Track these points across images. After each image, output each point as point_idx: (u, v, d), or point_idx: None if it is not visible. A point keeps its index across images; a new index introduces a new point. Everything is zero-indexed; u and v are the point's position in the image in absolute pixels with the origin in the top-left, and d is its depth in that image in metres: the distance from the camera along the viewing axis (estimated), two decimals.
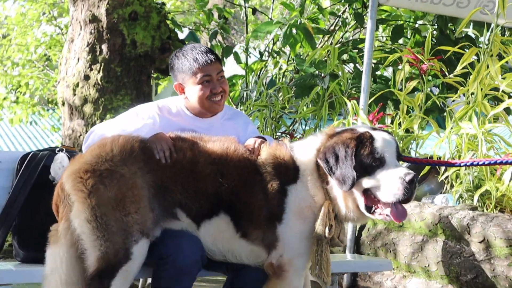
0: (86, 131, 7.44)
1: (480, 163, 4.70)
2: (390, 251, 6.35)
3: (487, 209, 5.77)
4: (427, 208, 6.01)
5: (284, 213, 3.97)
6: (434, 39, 8.90)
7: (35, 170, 4.40)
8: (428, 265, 5.90)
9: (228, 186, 3.96)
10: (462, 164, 4.56)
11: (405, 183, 3.72)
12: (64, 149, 4.57)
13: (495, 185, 5.77)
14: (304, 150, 4.06)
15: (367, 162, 3.81)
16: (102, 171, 3.79)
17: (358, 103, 7.09)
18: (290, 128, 9.51)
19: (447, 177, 6.41)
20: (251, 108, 9.07)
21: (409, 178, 3.72)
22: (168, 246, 3.90)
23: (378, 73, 9.42)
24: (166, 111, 4.36)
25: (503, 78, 6.16)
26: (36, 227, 4.26)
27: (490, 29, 6.93)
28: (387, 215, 3.85)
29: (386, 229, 6.44)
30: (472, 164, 5.01)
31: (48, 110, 13.67)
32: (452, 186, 6.37)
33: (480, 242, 5.39)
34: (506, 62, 6.73)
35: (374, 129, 4.01)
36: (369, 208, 3.89)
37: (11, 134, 19.70)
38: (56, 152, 4.53)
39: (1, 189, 4.50)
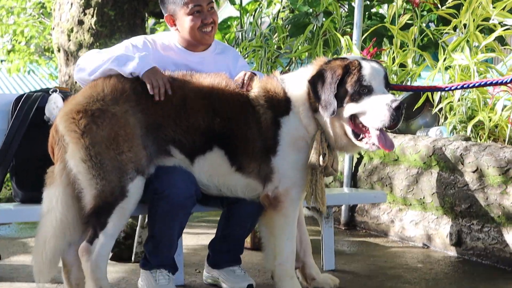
0: None
1: (471, 85, 4.70)
2: (386, 185, 6.42)
3: (480, 140, 5.83)
4: (421, 141, 6.07)
5: (279, 145, 4.01)
6: None
7: (29, 111, 4.44)
8: (423, 197, 5.98)
9: (220, 120, 3.99)
10: (452, 88, 4.57)
11: (391, 110, 3.74)
12: (58, 89, 4.60)
13: (488, 115, 5.81)
14: (295, 82, 4.07)
15: (355, 89, 3.84)
16: (94, 111, 3.82)
17: (352, 39, 7.11)
18: (286, 68, 9.51)
19: (441, 109, 6.46)
20: (247, 49, 9.07)
21: (395, 105, 3.75)
22: (162, 182, 3.95)
23: (374, 10, 9.37)
24: (159, 44, 4.38)
25: (494, 7, 6.15)
26: (33, 167, 4.29)
27: None
28: (373, 144, 3.88)
29: (382, 163, 6.52)
30: (462, 87, 4.99)
31: (45, 58, 13.60)
32: (446, 118, 6.42)
33: (474, 172, 5.45)
34: None
35: (365, 59, 4.03)
36: (357, 135, 3.93)
37: (9, 84, 19.72)
38: (50, 93, 4.56)
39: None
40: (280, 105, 4.05)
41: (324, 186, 4.11)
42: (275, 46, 8.91)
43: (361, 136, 3.92)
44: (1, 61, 13.59)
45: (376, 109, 3.79)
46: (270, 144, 4.02)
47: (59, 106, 4.43)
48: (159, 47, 4.35)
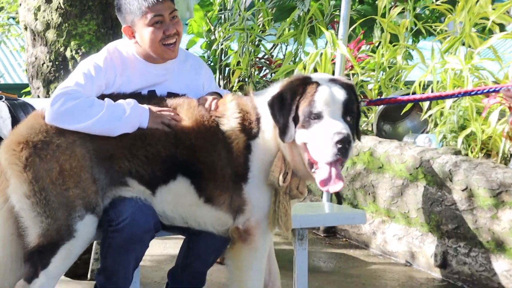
0: (50, 60, 6.93)
1: (461, 94, 4.20)
2: (369, 194, 6.01)
3: (471, 152, 5.38)
4: (408, 150, 5.64)
5: (249, 171, 3.61)
6: None
7: None
8: (408, 211, 5.58)
9: (184, 146, 3.59)
10: (432, 98, 4.11)
11: (333, 143, 3.32)
12: (3, 97, 4.13)
13: (481, 126, 5.36)
14: (265, 99, 3.66)
15: (305, 115, 3.44)
16: (36, 143, 3.45)
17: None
18: (270, 52, 9.03)
19: (430, 115, 6.02)
20: (229, 31, 8.58)
21: (337, 139, 3.32)
22: (117, 213, 3.54)
23: None
24: (118, 57, 3.90)
25: (493, 9, 5.67)
26: None
27: None
28: (323, 180, 3.43)
29: (365, 169, 6.10)
30: (448, 97, 4.53)
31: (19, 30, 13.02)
32: (436, 124, 5.98)
33: (463, 191, 5.04)
34: None
35: (333, 80, 3.59)
36: (312, 166, 3.49)
37: None
38: None
39: None
40: (251, 126, 3.65)
41: (289, 208, 3.69)
42: (259, 31, 8.40)
43: (314, 167, 3.48)
44: None
45: (319, 141, 3.39)
46: (241, 171, 3.62)
47: (4, 117, 4.02)
48: (117, 61, 3.87)
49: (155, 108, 3.68)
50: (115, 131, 3.56)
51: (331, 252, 5.98)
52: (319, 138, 3.38)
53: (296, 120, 3.46)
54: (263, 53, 8.83)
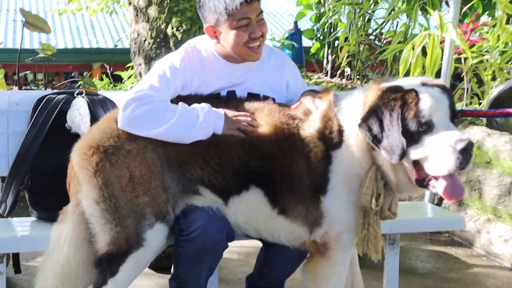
0: (151, 36, 6.85)
1: None
2: (475, 189, 5.61)
3: None
4: None
5: (329, 183, 3.37)
6: None
7: (48, 118, 3.87)
8: None
9: (259, 155, 3.38)
10: None
11: (456, 153, 3.03)
12: (84, 92, 4.01)
13: None
14: (349, 107, 3.41)
15: (413, 128, 3.14)
16: (107, 147, 3.33)
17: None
18: (381, 26, 8.63)
19: None
20: (337, 6, 8.24)
21: (461, 147, 3.03)
22: (189, 222, 3.38)
23: None
24: (197, 57, 3.72)
25: None
26: (48, 184, 3.82)
27: None
28: (441, 190, 3.16)
29: (472, 163, 5.67)
30: None
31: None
32: None
33: None
34: None
35: (425, 84, 3.26)
36: (421, 181, 3.23)
37: (89, 26, 19.12)
38: (75, 95, 3.99)
39: (19, 134, 4.00)
40: (332, 135, 3.39)
41: (379, 230, 3.43)
42: (370, 5, 8.01)
43: (425, 181, 3.21)
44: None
45: (438, 153, 3.08)
46: (319, 183, 3.38)
47: (82, 114, 3.89)
48: (195, 61, 3.68)
49: (231, 113, 3.47)
50: (189, 138, 3.38)
51: (431, 250, 5.64)
52: (438, 150, 3.10)
53: (403, 135, 3.17)
54: (375, 27, 8.43)
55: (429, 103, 3.14)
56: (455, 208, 5.86)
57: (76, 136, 3.64)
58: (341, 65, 9.03)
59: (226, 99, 3.65)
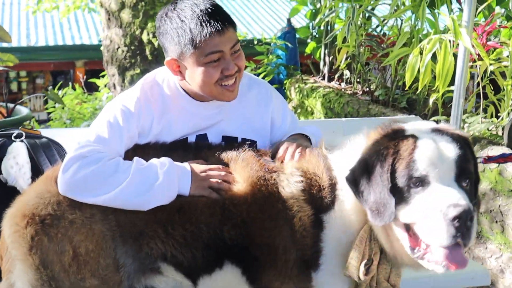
0: (125, 43, 6.12)
1: None
2: (496, 221, 4.87)
3: None
4: None
5: (321, 255, 2.72)
6: None
7: None
8: None
9: (233, 223, 2.72)
10: None
11: (447, 222, 2.38)
12: (23, 133, 3.24)
13: None
14: (347, 157, 2.74)
15: (401, 183, 2.49)
16: (44, 217, 2.68)
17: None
18: (383, 23, 7.83)
19: None
20: (333, 5, 7.46)
21: (452, 215, 2.37)
22: None
23: None
24: (156, 95, 2.97)
25: None
26: None
27: None
28: (436, 262, 2.49)
29: (492, 190, 4.93)
30: None
31: None
32: None
33: None
34: None
35: (438, 130, 2.60)
36: (415, 250, 2.56)
37: (73, 21, 18.22)
38: (13, 139, 3.22)
39: None
40: (322, 194, 2.74)
41: None
42: (371, 1, 7.21)
43: (415, 249, 2.55)
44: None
45: (428, 219, 2.44)
46: (309, 256, 2.72)
47: (20, 163, 3.17)
48: (156, 103, 2.92)
49: (200, 167, 2.74)
50: (146, 204, 2.66)
51: None
52: (426, 214, 2.43)
53: (392, 192, 2.49)
54: (376, 25, 7.64)
55: (427, 153, 2.49)
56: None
57: (15, 191, 2.91)
58: (340, 68, 8.26)
59: (194, 147, 2.88)
